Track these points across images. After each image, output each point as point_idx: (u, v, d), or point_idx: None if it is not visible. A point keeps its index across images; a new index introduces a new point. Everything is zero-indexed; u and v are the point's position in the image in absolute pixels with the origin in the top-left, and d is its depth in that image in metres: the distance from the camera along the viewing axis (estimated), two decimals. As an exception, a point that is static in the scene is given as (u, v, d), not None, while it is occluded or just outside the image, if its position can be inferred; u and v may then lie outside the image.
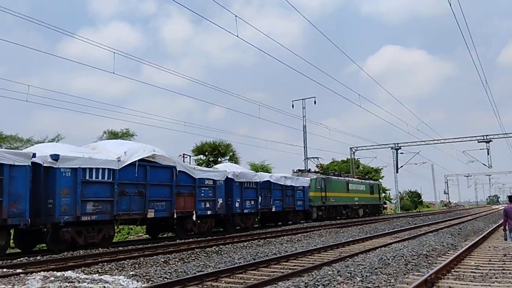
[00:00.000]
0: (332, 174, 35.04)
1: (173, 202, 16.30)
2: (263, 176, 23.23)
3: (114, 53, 17.23)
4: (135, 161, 14.81)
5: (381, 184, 51.73)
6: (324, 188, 30.59)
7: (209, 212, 18.37)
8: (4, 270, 9.08)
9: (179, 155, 35.17)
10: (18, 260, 10.81)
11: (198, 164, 33.26)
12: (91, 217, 13.37)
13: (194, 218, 17.28)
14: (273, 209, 23.62)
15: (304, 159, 40.81)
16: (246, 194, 21.30)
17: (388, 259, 9.98)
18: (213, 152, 34.78)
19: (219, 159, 34.67)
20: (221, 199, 19.10)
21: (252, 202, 21.82)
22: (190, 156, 35.80)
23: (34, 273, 8.46)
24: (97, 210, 13.58)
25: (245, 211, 21.17)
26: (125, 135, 34.04)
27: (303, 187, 27.00)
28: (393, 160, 51.94)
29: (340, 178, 34.87)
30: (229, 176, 20.15)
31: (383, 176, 62.44)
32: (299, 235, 17.84)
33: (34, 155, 12.27)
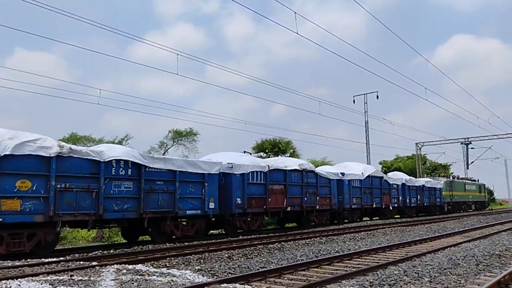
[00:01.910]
0: (455, 178, 44.57)
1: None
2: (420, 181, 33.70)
3: (178, 54, 17.75)
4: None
5: (486, 185, 57.90)
6: (451, 188, 39.79)
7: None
8: (81, 262, 9.72)
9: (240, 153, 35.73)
10: (93, 253, 11.51)
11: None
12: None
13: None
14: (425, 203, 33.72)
15: (367, 156, 39.93)
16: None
17: (458, 259, 9.54)
18: (273, 149, 34.95)
19: (279, 156, 34.77)
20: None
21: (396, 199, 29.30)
22: (250, 153, 36.27)
23: (108, 266, 8.98)
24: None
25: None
26: (189, 134, 35.15)
27: (439, 188, 36.64)
28: (463, 156, 49.50)
29: (459, 180, 44.63)
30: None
31: (452, 173, 59.58)
32: (362, 233, 17.50)
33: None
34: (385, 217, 27.88)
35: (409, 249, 12.21)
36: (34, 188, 11.09)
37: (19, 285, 7.07)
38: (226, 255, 10.91)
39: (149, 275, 8.06)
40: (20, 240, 10.90)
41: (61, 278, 7.68)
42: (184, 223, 15.39)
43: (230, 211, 16.58)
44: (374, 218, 28.44)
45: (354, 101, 40.86)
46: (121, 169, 13.10)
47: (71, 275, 7.92)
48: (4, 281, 7.30)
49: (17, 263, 9.60)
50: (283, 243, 13.54)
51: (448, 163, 59.82)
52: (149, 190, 13.67)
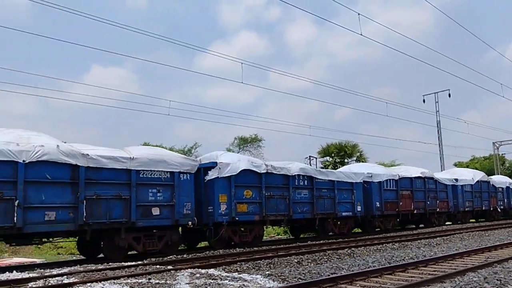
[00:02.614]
0: None
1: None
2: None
3: (242, 63, 18.18)
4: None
5: None
6: None
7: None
8: (157, 266, 10.17)
9: (305, 158, 35.57)
10: (168, 258, 12.00)
11: (324, 166, 33.24)
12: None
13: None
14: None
15: (440, 157, 38.15)
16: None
17: (547, 267, 8.84)
18: (339, 153, 34.43)
19: (345, 160, 34.20)
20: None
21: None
22: (316, 158, 35.97)
23: (183, 270, 9.33)
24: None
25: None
26: (254, 140, 35.60)
27: None
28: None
29: None
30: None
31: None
32: (437, 238, 16.73)
33: None
34: (492, 219, 29.76)
35: (489, 255, 11.50)
36: (253, 195, 15.20)
37: (103, 287, 7.55)
38: (296, 260, 10.91)
39: (221, 279, 8.27)
40: (246, 233, 15.18)
41: (140, 281, 8.10)
42: (339, 222, 18.59)
43: (371, 213, 19.99)
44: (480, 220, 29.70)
45: (424, 101, 39.33)
46: (301, 180, 16.84)
47: (149, 278, 8.32)
48: (89, 284, 7.83)
49: (100, 266, 10.25)
50: (353, 248, 13.29)
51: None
52: (318, 197, 17.39)
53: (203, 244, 16.22)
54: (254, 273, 9.09)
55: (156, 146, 28.55)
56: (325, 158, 34.88)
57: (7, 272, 9.47)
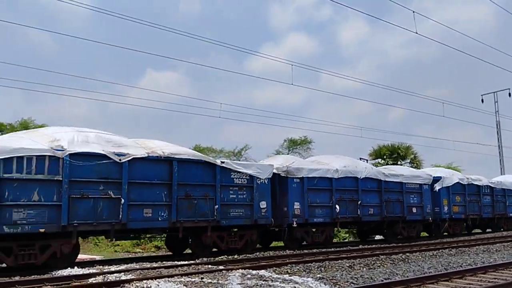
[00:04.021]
0: None
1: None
2: None
3: (292, 65, 18.16)
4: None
5: None
6: None
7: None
8: (209, 266, 10.36)
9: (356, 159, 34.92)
10: (219, 258, 12.19)
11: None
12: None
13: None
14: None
15: (500, 160, 36.27)
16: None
17: None
18: (392, 156, 33.49)
19: (398, 162, 33.22)
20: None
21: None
22: (367, 160, 35.18)
23: (234, 270, 9.45)
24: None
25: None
26: (304, 142, 35.38)
27: None
28: None
29: None
30: None
31: None
32: (497, 244, 15.91)
33: None
34: None
35: (557, 265, 10.79)
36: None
37: (158, 285, 7.80)
38: (347, 264, 10.75)
39: (272, 281, 8.30)
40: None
41: (193, 280, 8.29)
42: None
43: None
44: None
45: (482, 101, 37.54)
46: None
47: (202, 278, 8.50)
48: (145, 281, 8.11)
49: (154, 264, 10.59)
50: (407, 254, 12.90)
51: None
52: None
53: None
54: (305, 276, 9.05)
55: (206, 148, 29.12)
56: (376, 160, 34.04)
57: (69, 268, 9.98)
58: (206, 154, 29.41)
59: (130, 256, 16.13)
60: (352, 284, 7.97)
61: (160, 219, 11.85)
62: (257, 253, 13.35)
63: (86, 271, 9.55)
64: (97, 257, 15.72)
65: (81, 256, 16.22)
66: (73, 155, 10.51)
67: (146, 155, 11.74)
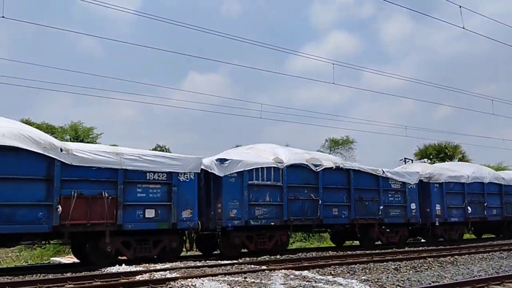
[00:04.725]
0: None
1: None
2: None
3: (333, 64, 17.91)
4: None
5: None
6: None
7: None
8: (252, 266, 10.40)
9: (400, 160, 34.07)
10: (261, 258, 12.21)
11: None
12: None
13: None
14: None
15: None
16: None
17: None
18: (439, 155, 32.47)
19: (445, 162, 32.12)
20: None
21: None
22: (412, 160, 34.24)
23: (276, 270, 9.44)
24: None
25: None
26: (345, 142, 34.88)
27: None
28: None
29: None
30: None
31: None
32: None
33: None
34: None
35: None
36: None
37: (202, 283, 7.90)
38: (393, 267, 10.48)
39: (315, 282, 8.22)
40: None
41: (236, 279, 8.35)
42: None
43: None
44: None
45: (536, 97, 35.74)
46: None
47: (245, 277, 8.54)
48: (189, 279, 8.25)
49: (198, 263, 10.75)
50: (456, 256, 12.45)
51: None
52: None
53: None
54: (349, 278, 8.91)
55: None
56: (422, 160, 33.10)
57: (117, 265, 10.31)
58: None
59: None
60: (399, 287, 7.77)
61: (343, 216, 14.75)
62: (299, 254, 13.26)
63: (133, 268, 9.82)
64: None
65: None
66: (288, 167, 13.76)
67: (334, 166, 14.72)
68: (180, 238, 12.05)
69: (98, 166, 10.60)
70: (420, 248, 15.06)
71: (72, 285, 7.94)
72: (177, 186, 11.63)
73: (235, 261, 11.26)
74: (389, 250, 14.27)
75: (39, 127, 24.80)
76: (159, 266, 10.23)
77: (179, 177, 11.72)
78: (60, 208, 9.97)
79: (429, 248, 15.11)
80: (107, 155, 10.81)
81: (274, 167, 13.49)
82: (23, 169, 9.74)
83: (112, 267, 10.11)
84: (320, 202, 14.07)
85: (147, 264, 10.54)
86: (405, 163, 32.09)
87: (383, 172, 15.84)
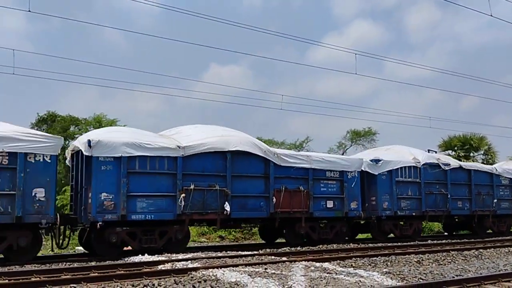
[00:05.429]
0: None
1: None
2: None
3: (356, 54, 17.65)
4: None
5: None
6: None
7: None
8: (273, 257, 10.43)
9: (424, 151, 33.46)
10: (282, 249, 12.25)
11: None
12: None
13: None
14: None
15: None
16: None
17: None
18: (464, 147, 31.70)
19: (471, 154, 31.43)
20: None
21: None
22: (436, 152, 33.64)
23: (297, 262, 9.45)
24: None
25: None
26: (368, 133, 34.49)
27: None
28: None
29: None
30: None
31: None
32: None
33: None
34: None
35: None
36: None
37: (223, 273, 7.97)
38: (415, 260, 10.37)
39: (336, 273, 8.21)
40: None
41: (257, 270, 8.40)
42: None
43: None
44: None
45: None
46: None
47: (266, 268, 8.59)
48: (211, 270, 8.34)
49: (219, 254, 10.85)
50: (481, 250, 12.23)
51: None
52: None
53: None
54: (370, 270, 8.86)
55: (268, 140, 29.24)
56: (446, 151, 32.43)
57: (139, 255, 10.49)
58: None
59: (196, 245, 16.61)
60: (421, 280, 7.69)
61: (465, 208, 17.27)
62: (320, 246, 13.21)
63: (156, 258, 9.98)
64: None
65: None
66: (424, 165, 16.21)
67: (458, 165, 17.32)
68: (347, 224, 14.71)
69: (296, 166, 13.33)
70: (443, 241, 14.86)
71: (96, 274, 8.11)
72: (347, 182, 14.24)
73: (255, 252, 11.32)
74: (411, 243, 14.12)
75: (63, 119, 25.37)
76: (181, 256, 10.36)
77: (347, 175, 14.30)
78: (274, 199, 12.75)
79: (453, 241, 14.89)
80: (301, 157, 13.73)
81: (413, 166, 15.99)
82: (252, 168, 12.67)
83: (135, 257, 10.30)
84: (448, 196, 16.63)
85: (169, 254, 10.68)
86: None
87: (496, 170, 18.49)
